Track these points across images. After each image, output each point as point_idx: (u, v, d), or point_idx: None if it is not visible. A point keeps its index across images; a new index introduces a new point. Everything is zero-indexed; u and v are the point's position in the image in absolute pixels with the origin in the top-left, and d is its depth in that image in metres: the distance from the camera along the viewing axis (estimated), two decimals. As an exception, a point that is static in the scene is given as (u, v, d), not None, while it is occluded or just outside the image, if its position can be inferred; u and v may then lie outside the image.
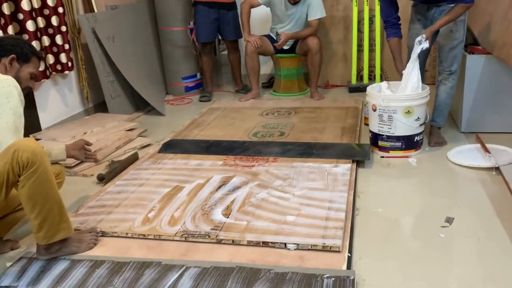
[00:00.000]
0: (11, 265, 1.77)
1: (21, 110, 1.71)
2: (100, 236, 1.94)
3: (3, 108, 1.65)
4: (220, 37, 4.27)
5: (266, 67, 4.65)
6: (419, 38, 2.54)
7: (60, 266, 1.74)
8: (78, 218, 2.05)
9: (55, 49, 3.29)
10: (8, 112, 1.66)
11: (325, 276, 1.59)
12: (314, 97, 3.94)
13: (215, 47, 5.46)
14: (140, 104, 3.93)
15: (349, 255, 1.72)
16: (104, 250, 1.85)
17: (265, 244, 1.81)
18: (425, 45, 2.53)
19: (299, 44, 3.93)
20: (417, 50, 2.55)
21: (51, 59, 3.26)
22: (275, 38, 3.96)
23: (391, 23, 2.79)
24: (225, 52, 4.87)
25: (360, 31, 4.17)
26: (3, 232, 1.94)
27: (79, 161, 2.72)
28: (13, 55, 1.81)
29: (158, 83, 4.35)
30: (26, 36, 3.00)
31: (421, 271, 1.64)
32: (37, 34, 3.11)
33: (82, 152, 2.17)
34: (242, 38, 4.11)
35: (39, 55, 1.93)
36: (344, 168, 2.46)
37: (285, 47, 3.97)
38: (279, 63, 4.12)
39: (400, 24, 2.80)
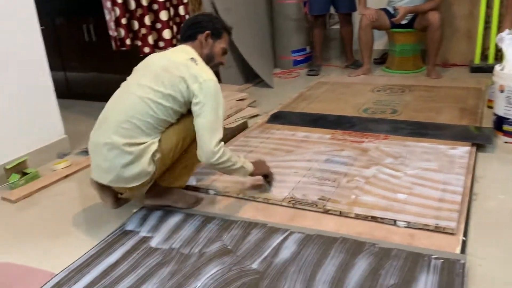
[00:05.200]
0: (134, 213, 1.96)
1: (222, 112, 1.77)
2: (214, 195, 2.07)
3: (206, 108, 1.73)
4: (333, 10, 4.18)
5: (379, 42, 4.46)
6: None
7: (176, 218, 1.89)
8: (195, 176, 2.19)
9: (177, 20, 3.48)
10: (210, 112, 1.74)
11: (433, 257, 1.53)
12: (431, 76, 3.71)
13: (326, 20, 5.37)
14: (250, 76, 4.03)
15: (464, 239, 1.63)
16: (217, 207, 1.97)
17: (374, 218, 1.78)
18: None
19: (418, 19, 3.70)
20: None
21: (174, 29, 3.46)
22: (392, 12, 3.77)
23: None
24: (335, 27, 4.77)
25: (488, 6, 3.80)
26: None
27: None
28: (208, 31, 1.87)
29: (268, 56, 4.41)
30: (155, 6, 3.22)
31: (547, 266, 1.50)
32: (166, 4, 3.31)
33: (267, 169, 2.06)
34: (356, 11, 3.98)
35: (229, 30, 1.95)
36: (462, 150, 2.30)
37: (403, 22, 3.76)
38: (394, 39, 3.94)
39: None
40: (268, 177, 2.06)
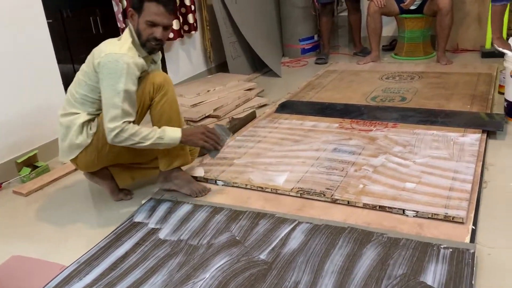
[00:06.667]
0: (143, 204, 1.97)
1: (122, 86, 1.69)
2: (222, 185, 2.07)
3: (103, 83, 1.72)
4: (341, -2, 4.14)
5: (388, 28, 4.40)
6: None
7: (185, 209, 1.90)
8: (204, 167, 2.19)
9: (183, 10, 3.47)
10: (107, 88, 1.71)
11: (442, 246, 1.52)
12: (441, 62, 3.66)
13: (334, 8, 5.31)
14: (257, 65, 4.01)
15: (474, 227, 1.62)
16: (225, 198, 1.97)
17: (382, 208, 1.77)
18: None
19: (428, 4, 3.64)
20: None
21: (180, 19, 3.45)
22: (401, -2, 3.71)
23: None
24: (343, 14, 4.72)
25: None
26: (122, 183, 2.07)
27: (203, 116, 2.89)
28: (129, 9, 1.80)
29: (275, 44, 4.38)
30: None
31: (559, 254, 1.48)
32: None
33: (202, 137, 1.86)
34: (365, -2, 3.93)
35: None
36: (472, 138, 2.27)
37: (412, 7, 3.71)
38: (403, 24, 3.88)
39: None
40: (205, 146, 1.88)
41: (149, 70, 1.89)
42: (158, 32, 1.78)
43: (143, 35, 1.78)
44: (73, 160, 1.91)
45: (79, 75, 1.85)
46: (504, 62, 2.50)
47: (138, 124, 1.88)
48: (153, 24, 1.76)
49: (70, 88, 1.89)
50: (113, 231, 1.79)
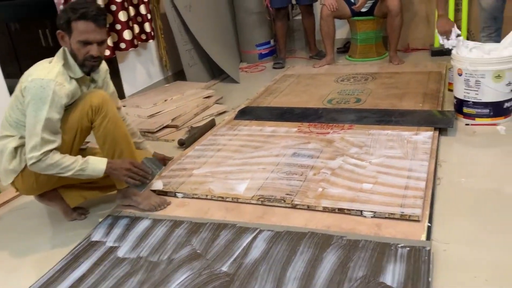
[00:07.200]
0: (100, 222, 1.92)
1: (45, 114, 1.62)
2: (182, 198, 2.04)
3: (28, 110, 1.65)
4: (294, 2, 4.18)
5: (341, 31, 4.48)
6: None
7: (144, 225, 1.86)
8: (162, 180, 2.16)
9: (139, 19, 3.41)
10: (30, 114, 1.64)
11: (399, 245, 1.55)
12: (393, 62, 3.76)
13: (289, 12, 5.37)
14: (215, 72, 4.00)
15: (429, 225, 1.66)
16: (185, 210, 1.95)
17: (341, 210, 1.79)
18: None
19: (378, 6, 3.74)
20: None
21: (136, 28, 3.39)
22: (352, 1, 3.79)
23: None
24: (299, 17, 4.77)
25: (446, -11, 3.86)
26: (73, 203, 1.97)
27: (161, 127, 2.85)
28: (58, 31, 1.70)
29: (232, 50, 4.39)
30: (114, 7, 3.14)
31: (506, 245, 1.54)
32: (124, 4, 3.23)
33: (126, 173, 1.77)
34: (317, 1, 3.98)
35: (79, 17, 1.65)
36: (425, 136, 2.34)
37: (363, 10, 3.79)
38: (355, 27, 3.97)
39: None
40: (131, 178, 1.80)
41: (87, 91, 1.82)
42: (93, 50, 1.70)
43: (79, 55, 1.71)
44: (12, 184, 1.83)
45: (12, 98, 1.76)
46: (451, 60, 2.59)
47: (77, 148, 1.83)
48: (86, 43, 1.69)
49: (5, 110, 1.80)
50: (69, 252, 1.73)
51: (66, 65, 1.72)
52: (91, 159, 1.74)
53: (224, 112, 3.17)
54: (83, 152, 1.96)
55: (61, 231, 1.94)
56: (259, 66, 4.29)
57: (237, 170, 2.21)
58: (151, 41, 3.54)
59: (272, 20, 4.36)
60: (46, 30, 3.47)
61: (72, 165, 1.69)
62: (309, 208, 1.84)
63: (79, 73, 1.75)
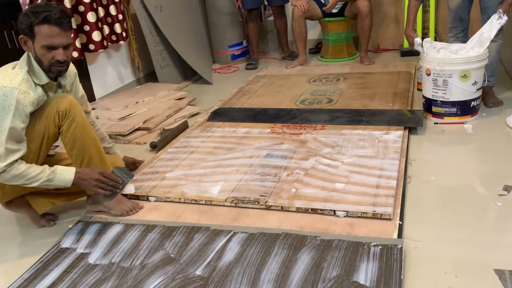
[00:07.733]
0: (70, 228, 1.87)
1: (8, 123, 1.57)
2: (155, 201, 2.01)
3: None
4: (266, 3, 4.19)
5: (313, 32, 4.53)
6: (496, 15, 2.42)
7: (115, 230, 1.83)
8: (134, 184, 2.12)
9: (109, 20, 3.35)
10: None
11: (372, 244, 1.57)
12: (364, 62, 3.82)
13: (261, 13, 5.38)
14: (188, 73, 3.97)
15: (400, 223, 1.69)
16: (158, 214, 1.92)
17: (314, 211, 1.80)
18: (504, 20, 2.42)
19: (349, 7, 3.79)
20: (495, 27, 2.42)
21: (106, 30, 3.33)
22: (322, 2, 3.83)
23: None
24: (271, 18, 4.79)
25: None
26: (40, 209, 1.92)
27: (132, 129, 2.81)
28: (20, 36, 1.63)
29: (205, 51, 4.36)
30: (82, 8, 3.07)
31: (475, 240, 1.58)
32: (93, 5, 3.17)
33: (95, 183, 1.76)
34: (289, 2, 4.00)
35: (42, 21, 1.59)
36: (395, 135, 2.38)
37: (334, 11, 3.83)
38: (327, 28, 4.01)
39: None
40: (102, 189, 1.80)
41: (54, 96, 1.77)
42: (59, 54, 1.64)
43: (44, 60, 1.65)
44: None
45: None
46: (420, 61, 2.65)
47: (44, 155, 1.78)
48: (51, 48, 1.63)
49: None
50: (38, 260, 1.69)
51: (30, 71, 1.67)
52: (59, 169, 1.69)
53: (197, 113, 3.15)
54: (51, 159, 1.91)
55: (29, 238, 1.89)
56: (232, 67, 4.29)
57: (211, 172, 2.19)
58: (122, 42, 3.48)
59: (244, 21, 4.36)
60: (12, 31, 3.37)
61: (39, 175, 1.65)
62: (283, 209, 1.85)
63: (44, 79, 1.70)
